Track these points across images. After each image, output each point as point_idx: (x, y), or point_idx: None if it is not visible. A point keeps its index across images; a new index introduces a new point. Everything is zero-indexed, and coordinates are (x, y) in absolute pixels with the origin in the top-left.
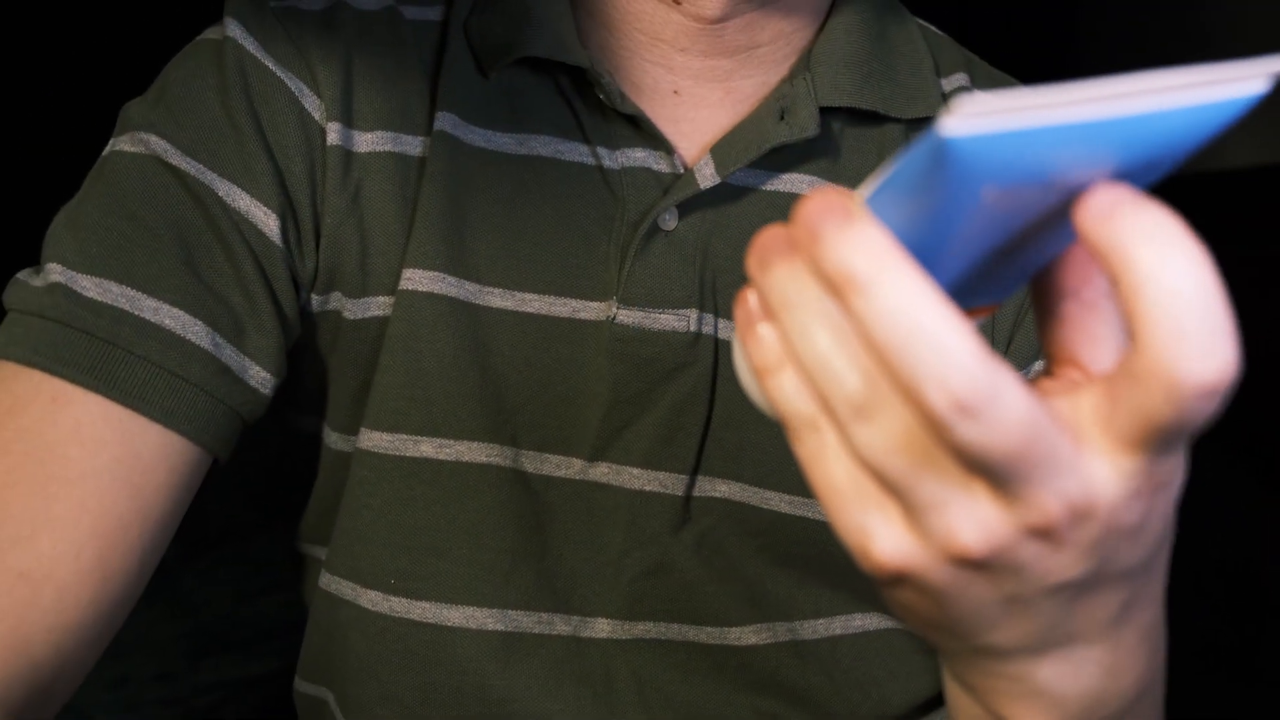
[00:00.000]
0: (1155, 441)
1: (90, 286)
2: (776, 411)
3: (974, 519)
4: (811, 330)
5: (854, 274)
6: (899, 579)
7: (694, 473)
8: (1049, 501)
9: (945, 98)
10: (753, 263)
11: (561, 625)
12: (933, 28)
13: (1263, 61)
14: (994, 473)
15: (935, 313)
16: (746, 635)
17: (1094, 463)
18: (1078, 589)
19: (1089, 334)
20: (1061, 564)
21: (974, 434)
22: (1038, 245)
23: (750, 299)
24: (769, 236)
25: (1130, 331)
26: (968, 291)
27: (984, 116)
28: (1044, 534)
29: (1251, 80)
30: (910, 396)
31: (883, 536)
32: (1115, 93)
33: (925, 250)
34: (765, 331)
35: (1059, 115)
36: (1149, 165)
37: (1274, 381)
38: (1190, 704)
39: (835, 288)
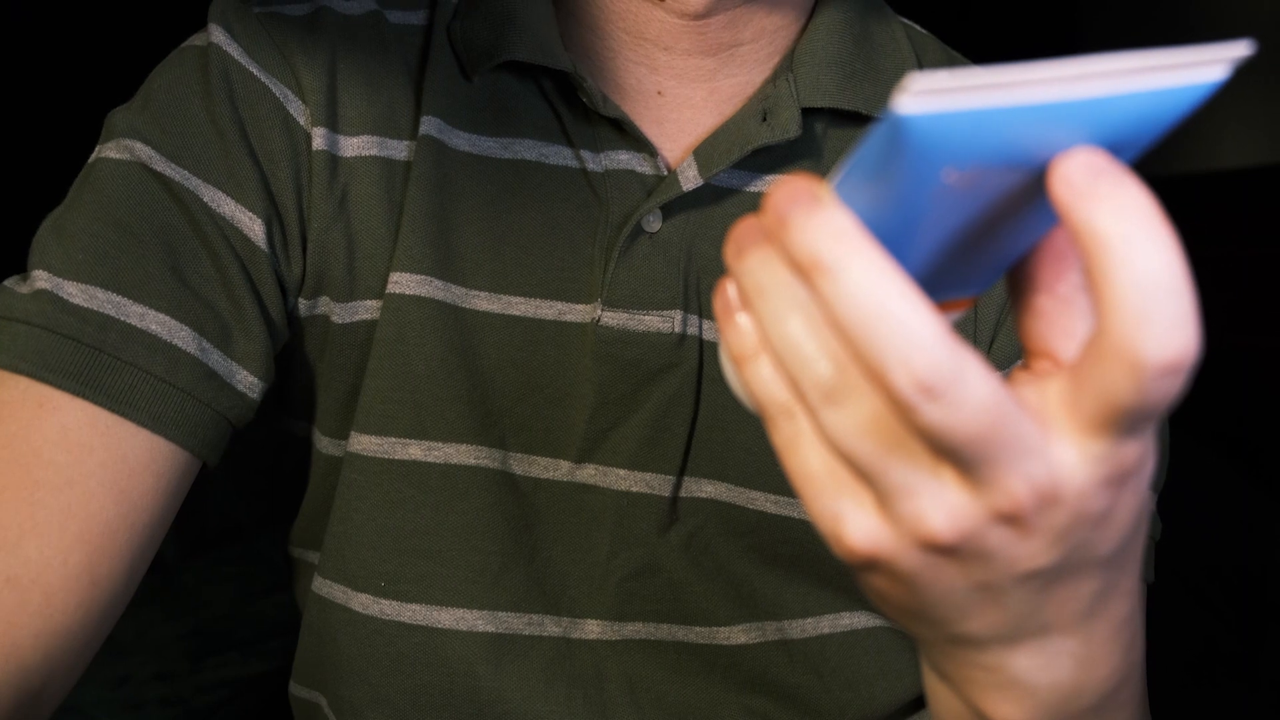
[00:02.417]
0: (1120, 423)
1: (76, 293)
2: (754, 399)
3: (942, 504)
4: (783, 316)
5: (819, 257)
6: (870, 565)
7: (680, 473)
8: (1015, 486)
9: None
10: (730, 251)
11: (552, 626)
12: (917, 26)
13: (1223, 47)
14: (959, 456)
15: (899, 295)
16: (736, 634)
17: (1060, 447)
18: (1048, 578)
19: (1062, 328)
20: (1030, 551)
21: (938, 416)
22: (1010, 234)
23: (729, 289)
24: (745, 226)
25: (1096, 311)
26: (941, 282)
27: (939, 95)
28: (1011, 519)
29: (1213, 66)
30: (876, 378)
31: (854, 522)
32: (1074, 74)
33: (893, 236)
34: (742, 320)
35: (1017, 96)
36: (1111, 151)
37: (1274, 382)
38: (1190, 708)
39: (803, 271)
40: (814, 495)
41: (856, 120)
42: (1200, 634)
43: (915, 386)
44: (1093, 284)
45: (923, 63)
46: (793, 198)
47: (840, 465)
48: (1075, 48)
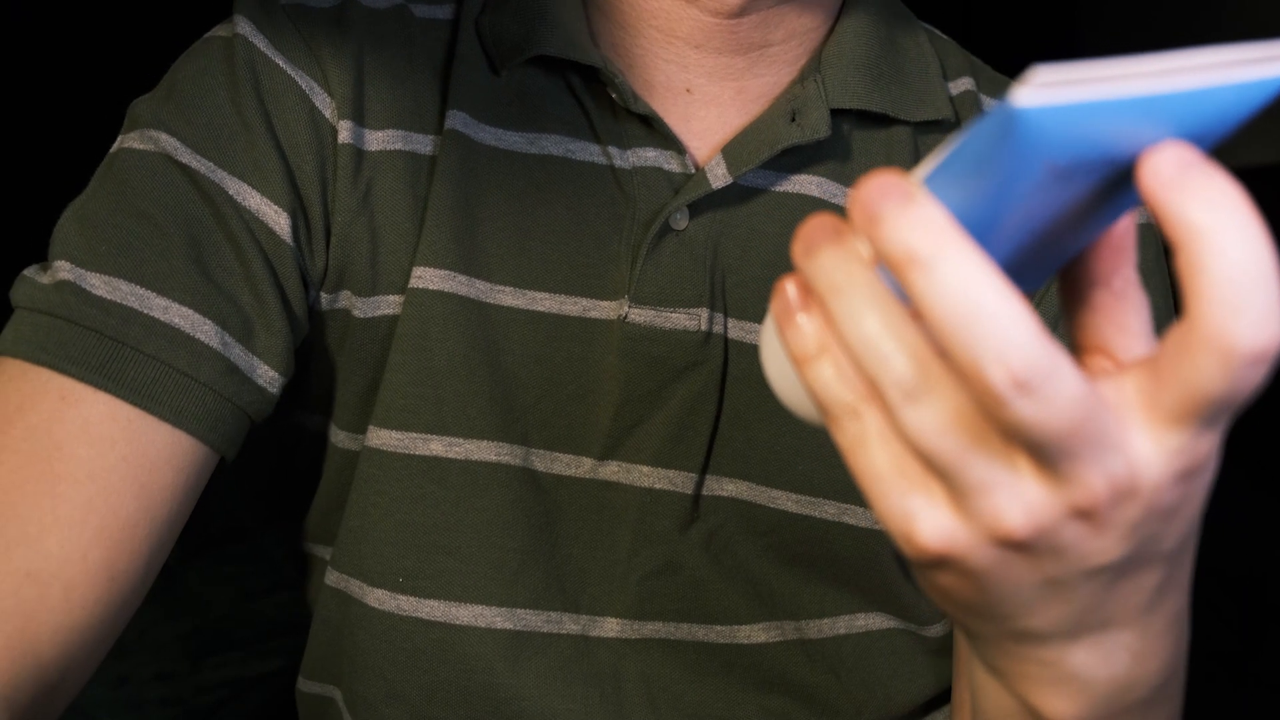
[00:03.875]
0: (1203, 414)
1: (99, 284)
2: (815, 400)
3: (1019, 500)
4: (860, 314)
5: (915, 253)
6: (941, 562)
7: (703, 471)
8: (1095, 480)
9: (952, 101)
10: (798, 250)
11: (570, 624)
12: (938, 32)
13: None
14: (1044, 451)
15: (995, 291)
16: (755, 634)
17: (1139, 441)
18: (1116, 572)
19: (1118, 323)
20: (1102, 546)
21: (1030, 411)
22: (1072, 232)
23: (789, 289)
24: (815, 224)
25: (1185, 301)
26: (1011, 278)
27: (1056, 88)
28: (1087, 514)
29: None
30: (968, 374)
31: (927, 519)
32: (1170, 68)
33: (980, 231)
34: (804, 320)
35: (1121, 89)
36: (1194, 142)
37: (1274, 382)
38: (1190, 708)
39: (896, 267)
40: (883, 494)
41: (882, 122)
42: (1200, 634)
43: (1011, 382)
44: (1184, 275)
45: (945, 67)
46: (884, 192)
47: (910, 462)
48: (1074, 48)
